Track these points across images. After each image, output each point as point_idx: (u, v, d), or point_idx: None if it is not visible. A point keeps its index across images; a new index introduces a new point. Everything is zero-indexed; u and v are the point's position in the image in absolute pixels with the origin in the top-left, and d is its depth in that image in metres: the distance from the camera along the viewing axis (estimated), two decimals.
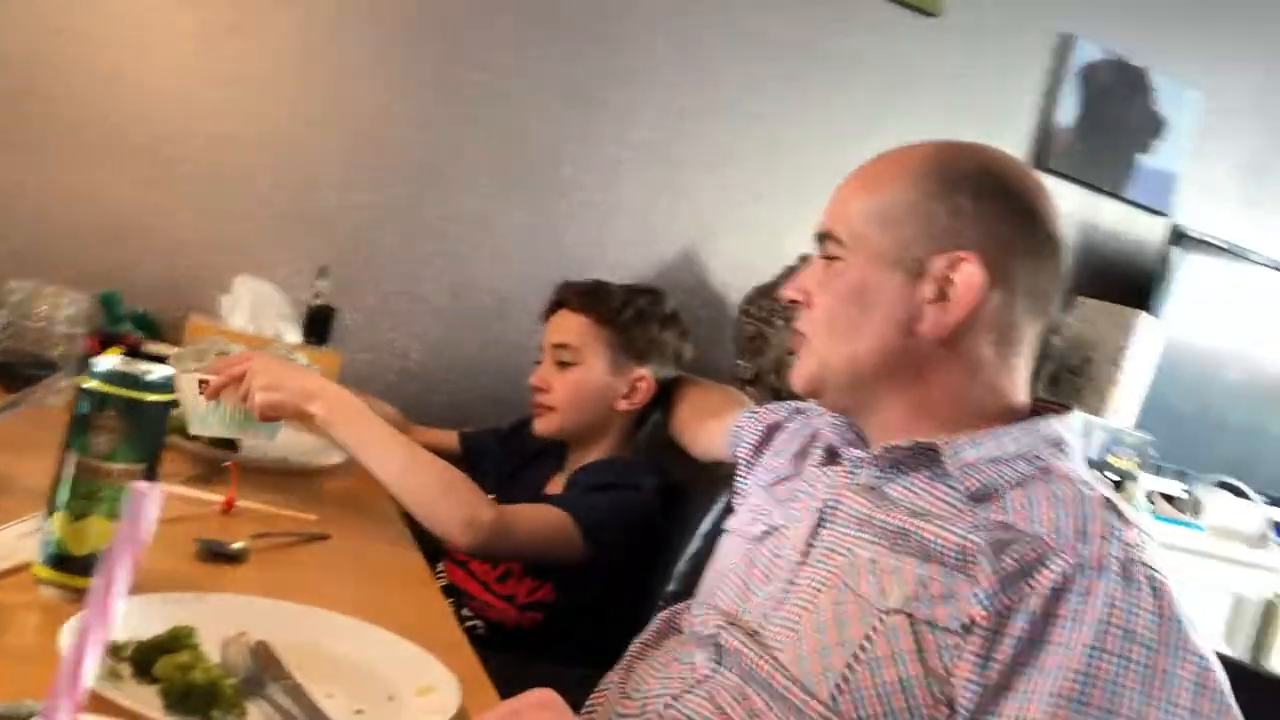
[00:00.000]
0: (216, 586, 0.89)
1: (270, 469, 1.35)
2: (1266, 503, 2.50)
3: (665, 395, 1.65)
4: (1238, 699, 0.76)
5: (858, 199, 0.97)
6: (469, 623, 1.47)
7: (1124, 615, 0.75)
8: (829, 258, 0.98)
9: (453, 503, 1.27)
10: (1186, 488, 2.47)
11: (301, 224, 2.03)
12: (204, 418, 1.28)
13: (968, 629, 0.79)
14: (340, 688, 0.78)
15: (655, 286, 1.74)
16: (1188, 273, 2.60)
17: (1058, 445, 0.92)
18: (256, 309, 1.88)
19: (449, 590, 1.51)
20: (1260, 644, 2.28)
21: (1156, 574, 0.78)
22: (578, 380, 1.59)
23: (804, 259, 2.20)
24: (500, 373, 2.14)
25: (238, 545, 1.01)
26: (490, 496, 1.34)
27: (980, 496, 0.87)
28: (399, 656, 0.84)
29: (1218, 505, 2.43)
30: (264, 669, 0.76)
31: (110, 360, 0.85)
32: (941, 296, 0.92)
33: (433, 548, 1.56)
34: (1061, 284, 0.97)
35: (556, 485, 1.61)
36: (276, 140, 2.01)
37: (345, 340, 2.02)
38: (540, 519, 1.39)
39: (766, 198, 2.33)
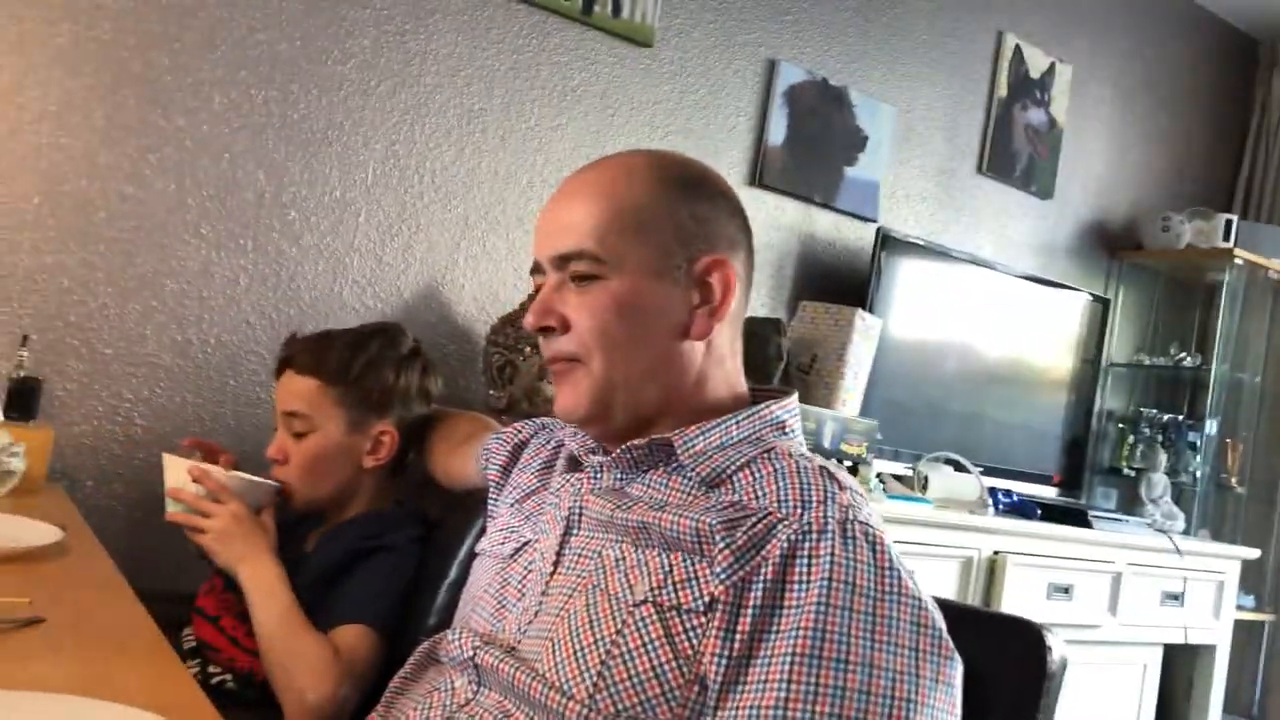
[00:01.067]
0: None
1: None
2: (982, 473, 2.76)
3: (420, 433, 1.61)
4: (968, 638, 0.84)
5: (596, 213, 0.96)
6: (217, 679, 1.39)
7: (845, 570, 0.82)
8: (582, 277, 0.96)
9: (289, 679, 1.32)
10: (912, 467, 2.69)
11: None
12: (171, 503, 1.46)
13: (710, 607, 0.83)
14: None
15: (388, 324, 1.67)
16: (898, 272, 2.84)
17: (780, 427, 0.99)
18: None
19: (194, 651, 1.42)
20: (988, 596, 2.51)
21: (871, 529, 0.85)
22: (314, 448, 1.50)
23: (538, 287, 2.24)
24: (238, 432, 2.03)
25: None
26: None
27: (712, 482, 0.92)
28: None
29: (942, 480, 2.66)
30: None
31: None
32: (706, 300, 0.97)
33: (177, 612, 1.47)
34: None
35: (312, 541, 1.54)
36: None
37: (57, 413, 1.85)
38: (351, 652, 1.35)
39: (501, 227, 2.36)
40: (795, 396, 1.05)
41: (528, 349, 2.14)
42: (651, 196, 0.97)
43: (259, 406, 2.06)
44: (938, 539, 2.45)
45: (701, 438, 0.95)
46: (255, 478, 1.49)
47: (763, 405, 1.00)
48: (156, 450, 1.95)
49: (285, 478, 1.51)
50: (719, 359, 1.01)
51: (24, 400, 1.78)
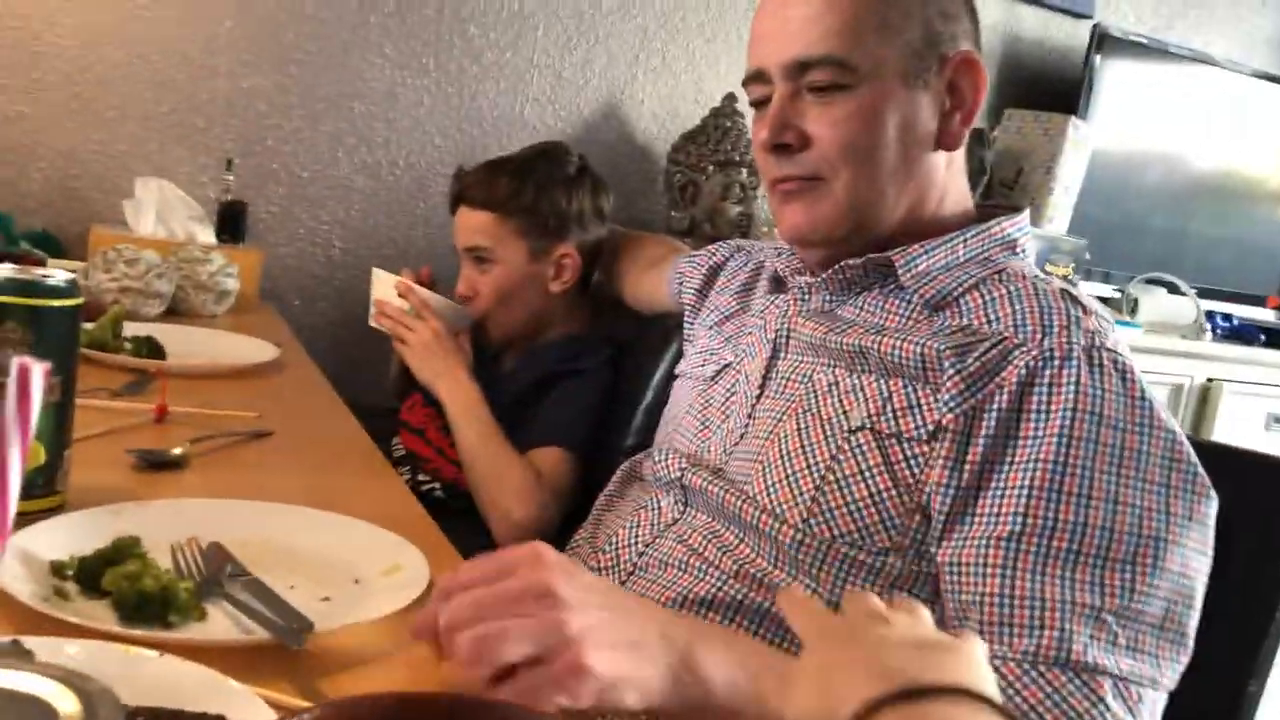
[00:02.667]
0: (158, 495, 0.85)
1: (201, 373, 1.29)
2: (1197, 294, 2.55)
3: (601, 253, 1.59)
4: (1216, 477, 0.77)
5: (839, 9, 0.85)
6: (425, 486, 1.46)
7: (1091, 400, 0.75)
8: (825, 88, 0.86)
9: (493, 497, 1.36)
10: (1120, 288, 2.51)
11: (197, 116, 1.91)
12: (375, 314, 1.50)
13: (935, 435, 0.78)
14: (302, 578, 0.75)
15: (551, 144, 1.60)
16: (1112, 74, 2.57)
17: (1010, 246, 0.90)
18: (163, 212, 1.79)
19: (405, 459, 1.49)
20: (1198, 427, 2.36)
21: (1121, 356, 0.78)
22: (500, 279, 1.50)
23: (729, 100, 2.13)
24: (429, 254, 2.07)
25: (176, 451, 0.96)
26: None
27: (937, 305, 0.86)
28: (360, 540, 0.81)
29: (1152, 302, 2.47)
30: (219, 569, 0.73)
31: (2, 269, 0.78)
32: (958, 105, 0.88)
33: (389, 422, 1.54)
34: None
35: (508, 363, 1.57)
36: (150, 30, 1.86)
37: (263, 235, 1.93)
38: (551, 473, 1.39)
39: (681, 37, 2.24)
40: (1026, 213, 0.96)
41: (710, 168, 2.07)
42: None
43: (448, 228, 2.08)
44: (1146, 365, 2.29)
45: (925, 257, 0.88)
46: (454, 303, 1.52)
47: (993, 222, 0.91)
48: (356, 271, 2.03)
49: (477, 311, 1.52)
50: (958, 170, 0.92)
51: (233, 223, 1.85)
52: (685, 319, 1.23)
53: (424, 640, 0.59)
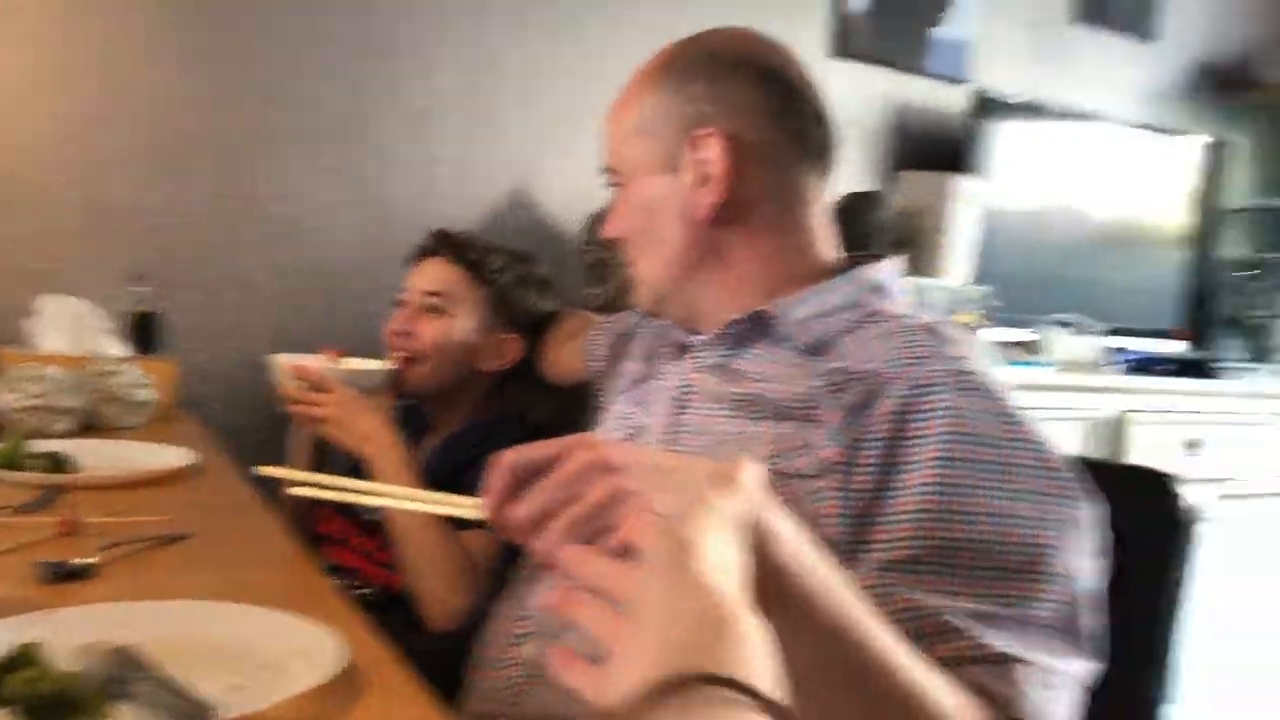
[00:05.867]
0: (67, 604, 0.84)
1: (111, 484, 1.28)
2: (1105, 334, 2.65)
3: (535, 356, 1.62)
4: (1100, 489, 0.81)
5: (618, 124, 1.01)
6: (358, 590, 1.44)
7: (964, 421, 0.79)
8: (615, 187, 1.02)
9: (431, 585, 1.35)
10: (1032, 332, 2.60)
11: (104, 229, 1.91)
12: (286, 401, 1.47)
13: (825, 470, 0.81)
14: (213, 670, 0.74)
15: (527, 251, 1.68)
16: (997, 134, 2.70)
17: (879, 290, 0.96)
18: (72, 328, 1.77)
19: (333, 571, 1.47)
20: (1115, 455, 2.43)
21: (986, 376, 0.82)
22: (445, 331, 1.53)
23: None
24: (348, 346, 2.07)
25: (85, 560, 0.95)
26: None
27: (816, 349, 0.90)
28: (275, 628, 0.81)
29: (1061, 342, 2.56)
30: (124, 669, 0.72)
31: None
32: (704, 180, 0.94)
33: (313, 535, 1.52)
34: (826, 125, 0.99)
35: (421, 456, 1.57)
36: (55, 144, 1.87)
37: (178, 344, 1.92)
38: (481, 555, 1.39)
39: (587, 122, 2.31)
40: (892, 260, 1.01)
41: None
42: (656, 95, 0.98)
43: (370, 320, 2.09)
44: (1060, 401, 2.37)
45: (800, 306, 0.93)
46: (365, 364, 1.52)
47: (858, 269, 0.97)
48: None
49: (411, 351, 1.53)
50: (767, 231, 0.97)
51: (145, 333, 1.85)
52: (596, 388, 1.26)
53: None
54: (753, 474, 0.57)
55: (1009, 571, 0.74)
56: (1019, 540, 0.75)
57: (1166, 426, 2.54)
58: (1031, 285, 2.77)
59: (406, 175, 2.14)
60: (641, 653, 0.40)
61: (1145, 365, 2.66)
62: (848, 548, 0.79)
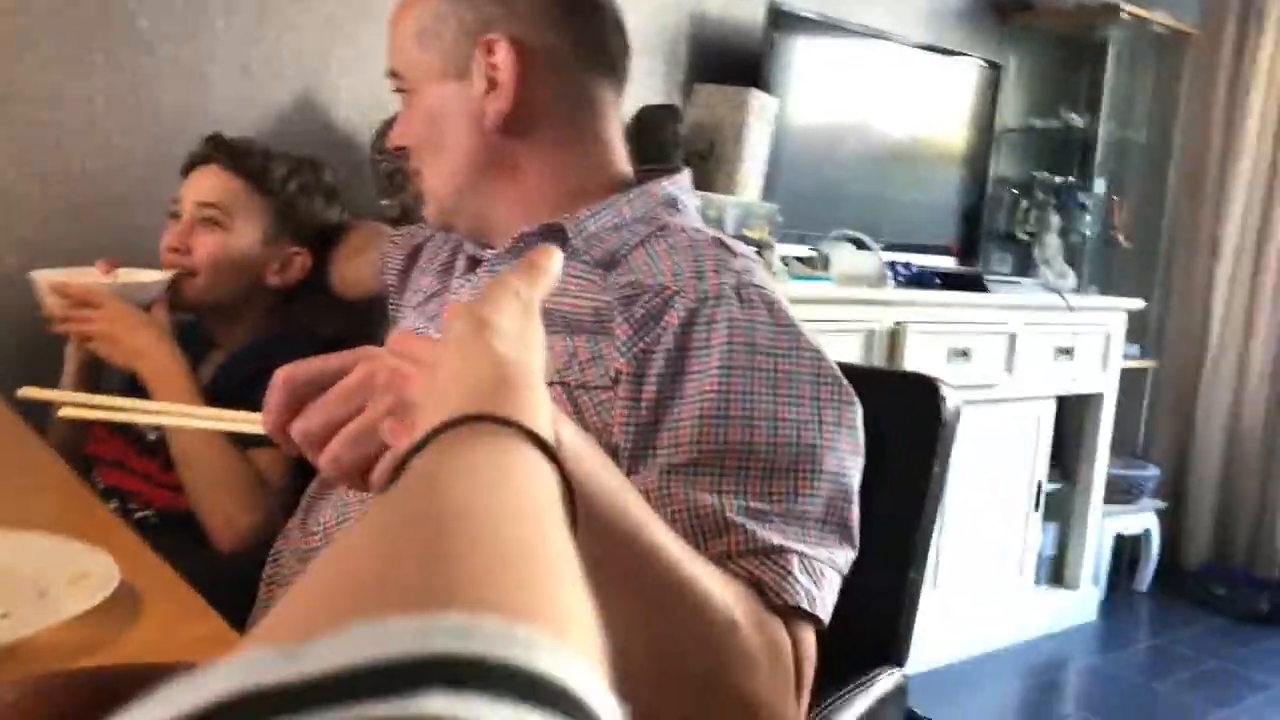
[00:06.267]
0: None
1: None
2: (883, 249, 2.81)
3: (320, 262, 1.56)
4: (868, 395, 0.87)
5: (401, 27, 0.99)
6: (138, 515, 1.38)
7: (744, 332, 0.83)
8: (401, 93, 1.00)
9: (217, 504, 1.30)
10: (814, 248, 2.73)
11: None
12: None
13: (615, 380, 0.84)
14: None
15: (315, 157, 1.60)
16: (791, 49, 2.78)
17: (671, 204, 0.98)
18: None
19: (109, 493, 1.40)
20: (890, 365, 2.61)
21: (766, 290, 0.87)
22: (223, 244, 1.46)
23: None
24: (123, 259, 1.94)
25: None
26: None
27: (608, 263, 0.92)
28: (44, 551, 0.78)
29: (843, 258, 2.70)
30: None
31: None
32: (493, 86, 0.94)
33: (83, 456, 1.44)
34: (618, 34, 1.00)
35: (205, 373, 1.50)
36: None
37: None
38: (271, 472, 1.35)
39: (374, 24, 2.21)
40: (687, 173, 1.04)
41: None
42: (436, 1, 0.97)
43: (140, 235, 1.96)
44: (840, 314, 2.51)
45: (593, 220, 0.94)
46: (137, 274, 1.44)
47: (652, 183, 0.99)
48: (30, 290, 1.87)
49: (186, 266, 1.45)
50: (557, 141, 0.98)
51: None
52: (390, 302, 1.24)
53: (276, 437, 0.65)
54: (558, 260, 0.59)
55: (781, 470, 0.80)
56: (791, 441, 0.81)
57: (937, 336, 2.75)
58: (818, 202, 2.90)
59: (180, 75, 2.00)
60: (437, 406, 0.42)
61: (917, 279, 2.84)
62: (633, 453, 0.83)
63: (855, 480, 0.85)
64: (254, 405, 1.37)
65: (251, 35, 2.07)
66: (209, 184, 1.47)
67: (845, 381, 0.86)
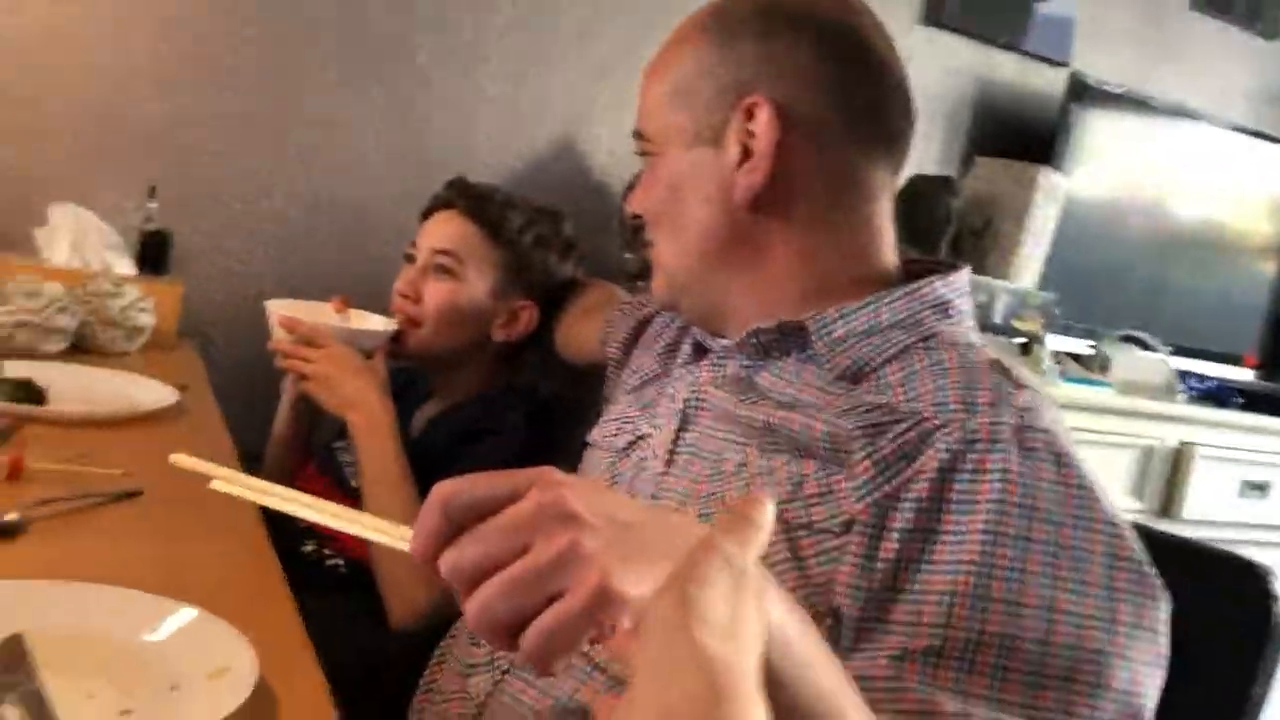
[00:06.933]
0: None
1: (76, 422, 1.18)
2: (1171, 353, 2.47)
3: (549, 319, 1.49)
4: (1175, 582, 0.67)
5: (652, 86, 0.88)
6: (331, 561, 1.34)
7: (1022, 490, 0.65)
8: (645, 155, 0.88)
9: (396, 574, 1.21)
10: (1093, 344, 2.43)
11: (120, 139, 1.81)
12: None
13: (847, 528, 0.68)
14: (107, 683, 0.64)
15: (556, 207, 1.53)
16: (1088, 124, 2.51)
17: (942, 309, 0.81)
18: (78, 240, 1.68)
19: (310, 532, 1.37)
20: (1170, 493, 2.27)
21: (1056, 437, 0.68)
22: (454, 293, 1.39)
23: None
24: (365, 292, 1.97)
25: (10, 517, 0.85)
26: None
27: (853, 376, 0.76)
28: (193, 634, 0.71)
29: (1124, 360, 2.39)
30: (6, 672, 0.62)
31: None
32: (747, 156, 0.80)
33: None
34: (902, 108, 0.85)
35: (418, 423, 1.46)
36: (71, 47, 1.77)
37: (187, 267, 1.83)
38: None
39: (639, 72, 2.16)
40: (966, 272, 0.86)
41: None
42: (692, 54, 0.85)
43: (392, 264, 1.99)
44: (1116, 426, 2.21)
45: (842, 321, 0.79)
46: (366, 318, 1.42)
47: (924, 282, 0.82)
48: None
49: (413, 314, 1.41)
50: (812, 222, 0.83)
51: (155, 253, 1.75)
52: (609, 374, 1.14)
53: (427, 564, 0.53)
54: (771, 515, 0.47)
55: (1053, 679, 0.62)
56: (1070, 642, 0.62)
57: (1228, 464, 2.37)
58: (1095, 291, 2.58)
59: (449, 112, 2.02)
60: (641, 713, 0.37)
61: (1212, 395, 2.47)
62: (860, 625, 0.66)
63: (1152, 702, 0.64)
64: (464, 464, 1.32)
65: (522, 78, 2.06)
66: (446, 230, 1.43)
67: (1151, 569, 0.66)
